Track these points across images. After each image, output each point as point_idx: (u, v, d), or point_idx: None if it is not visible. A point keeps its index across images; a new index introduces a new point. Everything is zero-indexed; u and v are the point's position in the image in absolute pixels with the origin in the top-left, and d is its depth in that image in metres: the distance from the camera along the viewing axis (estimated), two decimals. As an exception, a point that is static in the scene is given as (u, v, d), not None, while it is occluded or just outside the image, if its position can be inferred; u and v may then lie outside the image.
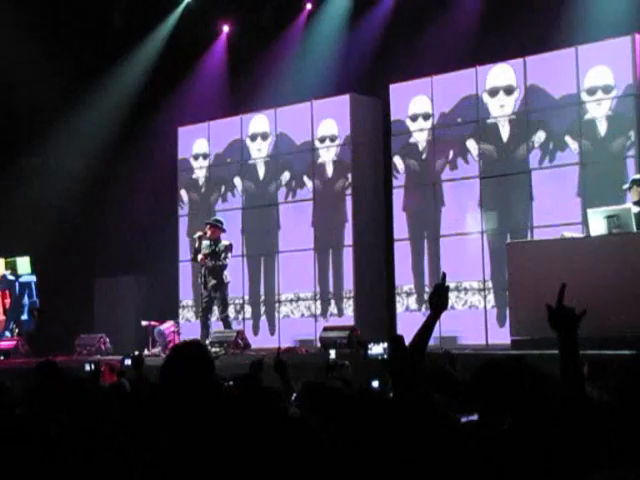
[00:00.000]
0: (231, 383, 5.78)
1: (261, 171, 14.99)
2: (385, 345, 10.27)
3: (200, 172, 15.72)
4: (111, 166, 16.46)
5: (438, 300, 3.42)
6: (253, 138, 15.10)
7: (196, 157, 15.81)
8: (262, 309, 14.80)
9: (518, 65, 12.56)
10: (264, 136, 14.98)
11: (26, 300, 15.30)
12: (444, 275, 3.52)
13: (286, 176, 14.67)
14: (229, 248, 13.05)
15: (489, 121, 12.82)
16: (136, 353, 10.17)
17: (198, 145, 15.79)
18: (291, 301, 14.42)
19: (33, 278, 15.36)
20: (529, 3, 12.59)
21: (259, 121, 15.08)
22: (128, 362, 8.73)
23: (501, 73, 12.74)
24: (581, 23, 12.29)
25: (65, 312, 15.74)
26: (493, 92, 12.80)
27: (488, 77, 12.83)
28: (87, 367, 8.56)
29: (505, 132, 12.68)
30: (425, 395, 3.12)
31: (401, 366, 3.19)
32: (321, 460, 2.56)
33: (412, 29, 13.89)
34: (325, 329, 12.56)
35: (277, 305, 14.55)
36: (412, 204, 13.49)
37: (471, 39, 13.22)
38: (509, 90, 12.66)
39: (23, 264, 15.34)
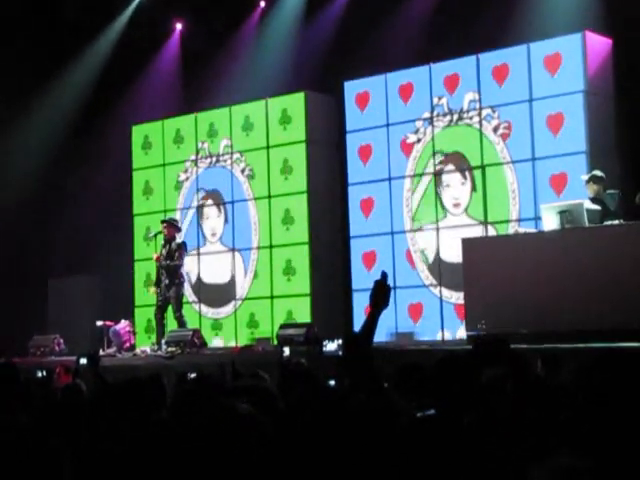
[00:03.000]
0: (193, 375, 5.78)
1: (216, 169, 14.93)
2: (339, 342, 10.29)
3: (154, 170, 15.61)
4: (65, 164, 16.29)
5: (378, 298, 3.43)
6: (208, 135, 15.05)
7: (151, 155, 15.70)
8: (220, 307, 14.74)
9: (471, 62, 12.64)
10: (218, 134, 14.92)
11: None
12: (384, 274, 3.51)
13: (241, 174, 14.62)
14: (182, 247, 13.03)
15: (443, 120, 12.88)
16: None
17: (152, 142, 15.69)
18: (248, 299, 14.39)
19: None
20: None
21: (214, 120, 15.02)
22: (83, 361, 8.61)
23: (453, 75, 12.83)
24: (533, 20, 12.41)
25: (19, 313, 15.56)
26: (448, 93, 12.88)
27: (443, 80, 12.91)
28: (39, 374, 8.28)
29: (460, 130, 12.75)
30: (380, 390, 3.13)
31: (355, 363, 3.21)
32: (272, 457, 2.56)
33: (366, 26, 13.92)
34: (282, 326, 12.57)
35: (236, 302, 14.51)
36: (368, 201, 13.53)
37: (424, 36, 13.29)
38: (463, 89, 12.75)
39: None
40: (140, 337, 14.68)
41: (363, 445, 2.79)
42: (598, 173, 10.49)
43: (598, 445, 2.30)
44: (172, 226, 13.08)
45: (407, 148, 13.19)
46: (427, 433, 2.91)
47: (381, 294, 3.42)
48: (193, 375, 5.74)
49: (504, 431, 3.10)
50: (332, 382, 6.16)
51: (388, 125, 13.38)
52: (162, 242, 13.02)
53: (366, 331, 3.36)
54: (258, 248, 14.34)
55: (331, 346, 10.60)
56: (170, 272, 12.88)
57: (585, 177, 10.54)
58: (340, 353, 9.86)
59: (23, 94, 15.92)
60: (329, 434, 2.71)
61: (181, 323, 13.03)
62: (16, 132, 16.18)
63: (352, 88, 13.79)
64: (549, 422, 3.33)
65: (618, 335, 8.67)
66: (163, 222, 13.19)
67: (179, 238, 13.21)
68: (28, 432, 3.16)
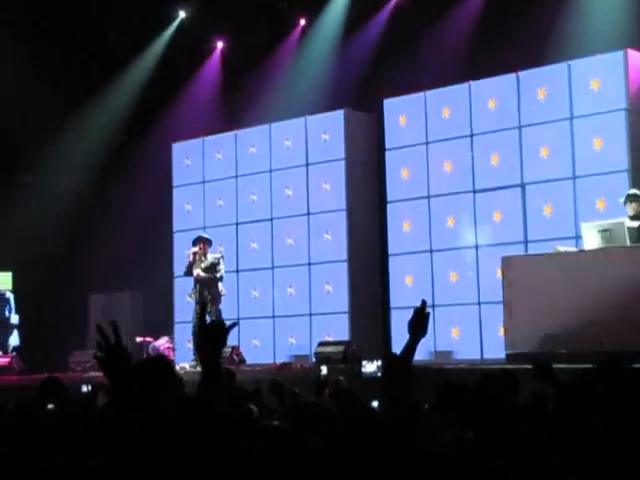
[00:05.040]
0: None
1: (256, 187, 14.99)
2: (379, 363, 10.25)
3: (194, 187, 15.71)
4: (106, 182, 16.47)
5: (417, 326, 3.41)
6: (248, 157, 15.11)
7: (190, 172, 15.81)
8: (258, 324, 14.76)
9: (511, 80, 12.60)
10: (259, 155, 14.97)
11: (7, 315, 15.26)
12: (424, 302, 3.49)
13: (281, 192, 14.66)
14: (221, 259, 13.12)
15: (482, 136, 12.84)
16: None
17: (192, 160, 15.80)
18: (286, 316, 14.40)
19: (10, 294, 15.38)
20: (521, 18, 12.64)
21: (254, 140, 15.08)
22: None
23: (493, 93, 12.81)
24: (574, 38, 12.36)
25: (59, 328, 15.71)
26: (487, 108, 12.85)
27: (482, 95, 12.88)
28: (84, 388, 8.31)
29: (499, 147, 12.71)
30: (416, 412, 3.12)
31: (393, 385, 3.19)
32: (304, 473, 2.57)
33: (405, 44, 13.95)
34: (320, 344, 12.57)
35: (272, 320, 14.53)
36: (407, 219, 13.51)
37: (464, 54, 13.30)
38: (502, 107, 12.71)
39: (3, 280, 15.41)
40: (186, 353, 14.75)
41: (401, 467, 2.79)
42: (632, 191, 10.42)
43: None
44: (205, 242, 13.18)
45: (448, 166, 13.16)
46: (463, 456, 2.90)
47: (420, 322, 3.40)
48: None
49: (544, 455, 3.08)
50: (374, 403, 6.11)
51: (427, 143, 13.35)
52: (200, 258, 13.08)
53: (404, 358, 3.35)
54: (297, 265, 14.35)
55: (370, 367, 10.53)
56: (211, 286, 12.96)
57: (622, 199, 10.44)
58: (379, 374, 9.81)
59: (67, 113, 16.10)
60: (366, 455, 2.71)
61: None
62: (58, 150, 16.36)
63: (392, 106, 13.79)
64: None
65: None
66: (197, 241, 13.24)
67: (213, 253, 13.27)
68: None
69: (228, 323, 3.14)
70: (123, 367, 3.12)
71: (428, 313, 3.44)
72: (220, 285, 13.08)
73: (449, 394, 4.50)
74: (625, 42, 11.80)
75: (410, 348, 3.36)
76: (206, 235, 13.51)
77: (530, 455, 3.03)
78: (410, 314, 3.44)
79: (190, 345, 13.83)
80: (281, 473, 2.69)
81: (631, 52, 11.75)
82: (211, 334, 3.07)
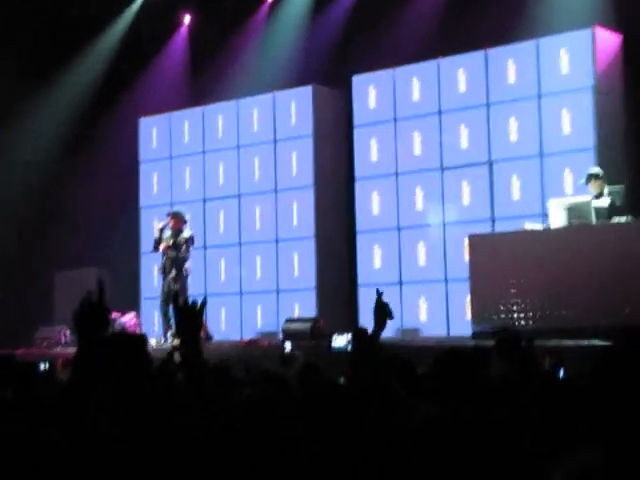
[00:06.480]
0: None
1: (223, 163, 14.92)
2: (349, 337, 10.26)
3: (161, 163, 15.61)
4: (71, 157, 16.30)
5: (380, 315, 3.44)
6: (216, 132, 15.03)
7: (157, 148, 15.70)
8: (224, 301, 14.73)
9: (479, 57, 12.60)
10: (226, 130, 14.90)
11: None
12: (378, 291, 3.51)
13: (248, 168, 14.60)
14: (191, 240, 13.02)
15: (451, 114, 12.84)
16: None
17: (159, 136, 15.69)
18: (253, 293, 14.38)
19: None
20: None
21: (221, 115, 15.00)
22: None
23: (462, 70, 12.80)
24: (542, 15, 12.37)
25: (26, 304, 15.59)
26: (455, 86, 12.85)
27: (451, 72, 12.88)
28: (42, 366, 8.23)
29: (468, 124, 12.71)
30: (386, 384, 3.12)
31: (363, 358, 3.20)
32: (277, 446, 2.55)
33: (375, 20, 13.90)
34: (287, 320, 12.56)
35: (239, 297, 14.51)
36: (375, 196, 13.50)
37: (433, 31, 13.26)
38: (471, 84, 12.71)
39: None
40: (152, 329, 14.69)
41: (363, 438, 2.78)
42: (594, 170, 10.44)
43: (614, 441, 2.28)
44: (178, 218, 13.07)
45: (416, 143, 13.16)
46: (437, 433, 2.88)
47: (382, 311, 3.44)
48: None
49: (524, 429, 3.08)
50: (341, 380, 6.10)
51: (396, 120, 13.34)
52: (169, 234, 13.00)
53: (371, 340, 3.38)
54: (264, 242, 14.31)
55: (340, 340, 10.51)
56: (177, 264, 12.88)
57: (582, 180, 10.48)
58: (349, 349, 9.82)
59: (30, 87, 15.91)
60: (337, 431, 2.69)
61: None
62: (22, 124, 16.17)
63: (360, 82, 13.76)
64: (565, 419, 3.31)
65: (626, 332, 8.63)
66: (169, 214, 13.18)
67: (186, 230, 13.18)
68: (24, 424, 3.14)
69: (199, 301, 3.17)
70: (97, 326, 3.12)
71: (386, 303, 3.47)
72: (186, 265, 12.98)
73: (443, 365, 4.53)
74: (593, 19, 11.82)
75: (375, 335, 3.39)
76: (181, 212, 13.34)
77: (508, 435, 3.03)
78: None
79: (156, 321, 13.77)
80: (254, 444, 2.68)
81: (599, 29, 11.78)
82: (186, 315, 3.13)
